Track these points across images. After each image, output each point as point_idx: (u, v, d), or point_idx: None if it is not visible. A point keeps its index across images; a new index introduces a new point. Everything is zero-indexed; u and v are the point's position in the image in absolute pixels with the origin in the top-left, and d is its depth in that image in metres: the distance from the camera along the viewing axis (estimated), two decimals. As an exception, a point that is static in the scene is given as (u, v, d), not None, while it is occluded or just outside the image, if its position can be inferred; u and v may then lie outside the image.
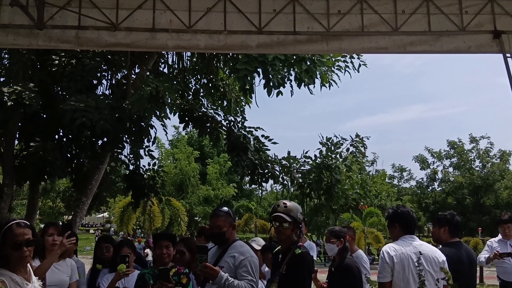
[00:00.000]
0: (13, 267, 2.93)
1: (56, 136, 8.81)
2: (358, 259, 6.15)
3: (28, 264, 3.11)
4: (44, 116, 8.51)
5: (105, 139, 8.24)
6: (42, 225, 28.14)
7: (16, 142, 8.59)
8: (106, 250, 5.10)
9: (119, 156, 9.74)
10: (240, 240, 3.72)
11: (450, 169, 45.92)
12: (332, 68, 8.15)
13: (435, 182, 46.93)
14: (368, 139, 9.80)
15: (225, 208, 3.76)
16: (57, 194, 28.18)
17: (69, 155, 9.01)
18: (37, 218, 10.99)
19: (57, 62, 7.67)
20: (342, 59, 8.18)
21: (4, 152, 8.18)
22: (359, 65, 8.38)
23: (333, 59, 8.08)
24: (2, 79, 8.11)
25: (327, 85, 8.10)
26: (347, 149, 9.68)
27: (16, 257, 2.91)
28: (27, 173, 8.05)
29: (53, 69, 7.63)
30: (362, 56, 8.32)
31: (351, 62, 8.30)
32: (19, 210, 27.91)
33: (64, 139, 8.88)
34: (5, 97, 6.60)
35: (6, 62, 8.45)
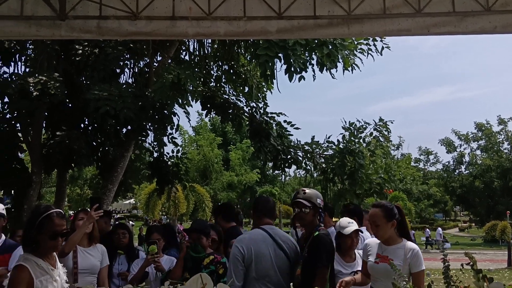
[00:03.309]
0: (42, 253, 3.00)
1: (82, 125, 8.97)
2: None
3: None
4: (70, 105, 8.66)
5: (129, 127, 8.34)
6: (71, 212, 28.93)
7: (43, 131, 8.78)
8: (122, 236, 5.26)
9: (143, 143, 9.87)
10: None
11: (478, 152, 44.94)
12: (355, 52, 8.02)
13: (462, 165, 46.05)
14: (392, 123, 9.66)
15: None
16: (84, 182, 28.86)
17: (94, 144, 9.17)
18: (65, 205, 11.28)
19: (80, 51, 7.77)
20: (365, 42, 8.04)
21: (32, 141, 8.38)
22: (382, 48, 8.22)
23: (355, 43, 7.94)
24: (27, 70, 8.27)
25: (349, 69, 7.99)
26: (371, 134, 9.57)
27: (50, 246, 2.99)
28: (54, 161, 8.24)
29: (77, 59, 7.73)
30: (385, 38, 8.16)
31: (374, 45, 8.15)
32: (48, 197, 28.70)
33: (89, 128, 9.03)
34: (31, 87, 6.74)
35: (31, 53, 8.60)
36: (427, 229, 39.00)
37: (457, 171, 46.44)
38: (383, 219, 3.62)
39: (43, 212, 3.00)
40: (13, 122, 8.53)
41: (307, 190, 3.79)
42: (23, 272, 2.88)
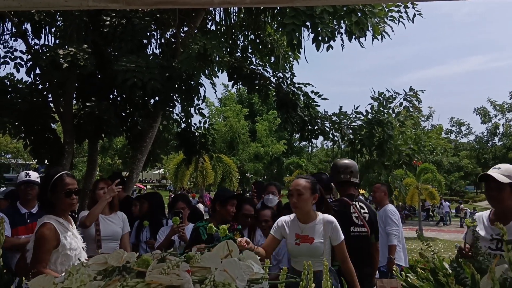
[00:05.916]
0: (59, 213, 3.24)
1: (111, 96, 9.08)
2: (385, 212, 6.36)
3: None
4: (99, 76, 8.76)
5: (157, 98, 8.40)
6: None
7: (74, 102, 8.94)
8: (134, 207, 5.54)
9: (171, 114, 9.95)
10: None
11: (513, 123, 43.51)
12: (385, 19, 7.77)
13: (495, 137, 44.75)
14: (423, 92, 9.38)
15: None
16: (115, 152, 29.50)
17: (123, 114, 9.29)
18: (97, 174, 11.57)
19: (108, 23, 7.79)
20: (396, 9, 7.77)
21: (63, 112, 8.56)
22: (414, 15, 7.94)
23: (386, 10, 7.69)
24: (57, 41, 8.37)
25: (379, 37, 7.74)
26: (400, 104, 9.34)
27: (67, 203, 3.23)
28: (85, 131, 8.43)
29: (105, 30, 7.76)
30: (417, 5, 7.87)
31: (406, 12, 7.87)
32: (80, 167, 29.52)
33: (118, 99, 9.14)
34: (61, 59, 6.83)
35: (60, 24, 8.68)
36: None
37: (490, 142, 45.21)
38: (308, 190, 3.61)
39: (55, 174, 3.24)
40: (45, 93, 8.72)
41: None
42: (50, 229, 3.05)
